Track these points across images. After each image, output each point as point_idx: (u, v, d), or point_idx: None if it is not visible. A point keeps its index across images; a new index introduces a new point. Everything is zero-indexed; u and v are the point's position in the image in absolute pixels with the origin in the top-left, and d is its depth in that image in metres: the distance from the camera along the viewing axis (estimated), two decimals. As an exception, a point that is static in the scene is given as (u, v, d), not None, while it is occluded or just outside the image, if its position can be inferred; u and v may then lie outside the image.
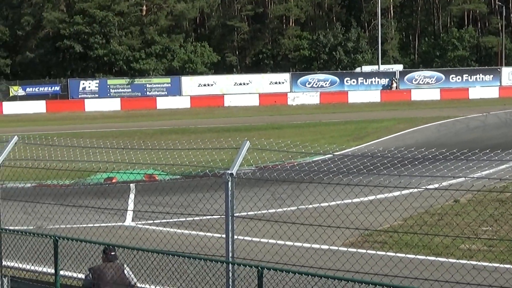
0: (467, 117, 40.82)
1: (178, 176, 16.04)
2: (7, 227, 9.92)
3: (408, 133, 34.34)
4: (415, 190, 8.75)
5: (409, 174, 8.17)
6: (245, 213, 10.23)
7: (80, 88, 63.81)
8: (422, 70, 67.24)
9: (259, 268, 6.32)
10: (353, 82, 64.89)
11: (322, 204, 9.61)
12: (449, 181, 8.52)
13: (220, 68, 73.60)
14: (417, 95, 61.53)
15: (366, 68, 66.93)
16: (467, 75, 65.16)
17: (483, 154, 8.08)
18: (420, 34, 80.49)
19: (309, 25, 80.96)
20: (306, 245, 10.17)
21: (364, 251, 11.27)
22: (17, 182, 11.58)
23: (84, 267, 9.12)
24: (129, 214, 16.58)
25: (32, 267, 9.76)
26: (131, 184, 19.69)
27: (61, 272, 8.43)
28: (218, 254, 9.02)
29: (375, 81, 64.78)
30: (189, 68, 69.98)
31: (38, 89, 64.52)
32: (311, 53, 75.40)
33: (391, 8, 79.89)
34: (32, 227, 13.52)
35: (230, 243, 7.89)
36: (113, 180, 18.91)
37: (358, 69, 67.49)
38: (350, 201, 9.57)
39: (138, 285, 8.91)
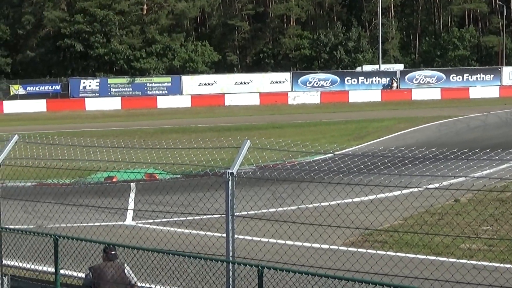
0: (468, 116, 40.82)
1: (179, 175, 16.04)
2: (7, 226, 9.92)
3: (408, 133, 34.34)
4: (416, 189, 8.75)
5: (410, 173, 8.17)
6: (246, 212, 10.23)
7: (81, 87, 63.82)
8: (423, 70, 67.24)
9: (259, 267, 6.31)
10: (354, 81, 64.88)
11: (323, 204, 9.62)
12: (449, 180, 8.52)
13: (221, 67, 73.60)
14: (418, 94, 61.54)
15: (367, 68, 66.92)
16: (467, 74, 65.16)
17: (484, 153, 8.08)
18: (420, 34, 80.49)
19: (309, 24, 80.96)
20: (307, 244, 10.16)
21: (364, 250, 11.27)
22: (18, 181, 11.58)
23: (84, 266, 9.12)
24: (130, 213, 16.58)
25: (32, 266, 9.76)
26: (131, 183, 19.69)
27: (61, 271, 8.43)
28: (219, 253, 9.02)
29: (375, 81, 64.77)
30: (190, 67, 69.97)
31: (39, 88, 64.52)
32: (312, 53, 75.38)
33: (392, 7, 79.86)
34: (32, 226, 13.51)
35: (230, 242, 7.89)
36: (114, 179, 18.93)
37: (358, 69, 67.50)
38: (350, 200, 9.56)
39: (138, 284, 8.90)
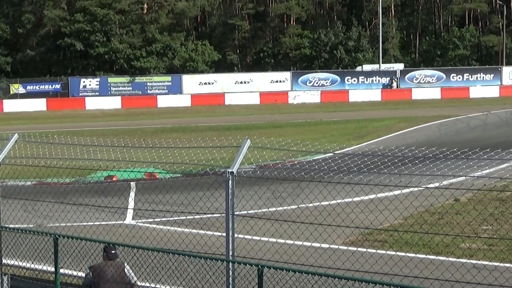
0: (468, 116, 40.84)
1: (179, 175, 16.05)
2: (7, 225, 9.92)
3: (408, 132, 34.35)
4: (416, 189, 8.74)
5: (410, 173, 8.17)
6: (246, 212, 10.23)
7: (81, 86, 63.83)
8: (423, 69, 67.25)
9: (259, 266, 6.31)
10: (354, 81, 64.87)
11: (323, 203, 9.62)
12: (449, 180, 8.52)
13: (221, 66, 73.59)
14: (418, 94, 61.56)
15: (367, 67, 66.93)
16: (467, 74, 65.17)
17: (484, 153, 8.08)
18: (421, 33, 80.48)
19: (310, 23, 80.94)
20: (307, 243, 10.17)
21: (364, 249, 11.28)
22: (18, 180, 11.58)
23: (84, 265, 9.12)
24: (130, 213, 16.59)
25: (32, 265, 9.76)
26: (131, 183, 19.69)
27: (61, 270, 8.43)
28: (219, 253, 9.01)
29: (375, 80, 64.76)
30: (190, 67, 69.97)
31: (39, 87, 64.52)
32: (312, 52, 75.38)
33: (392, 7, 79.84)
34: (32, 225, 13.51)
35: (230, 241, 7.89)
36: (114, 178, 18.92)
37: (359, 68, 67.50)
38: (350, 199, 9.57)
39: (138, 283, 8.90)
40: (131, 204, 17.60)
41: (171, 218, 14.87)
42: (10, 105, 59.79)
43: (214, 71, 71.02)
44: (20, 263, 9.94)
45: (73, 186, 17.43)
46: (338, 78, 65.05)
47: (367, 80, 64.75)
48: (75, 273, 10.18)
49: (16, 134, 9.86)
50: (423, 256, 10.66)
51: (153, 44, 69.77)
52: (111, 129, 39.34)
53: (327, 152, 9.95)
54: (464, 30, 74.98)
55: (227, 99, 61.17)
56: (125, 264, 8.75)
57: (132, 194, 18.69)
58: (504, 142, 23.60)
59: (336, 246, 10.33)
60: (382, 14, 70.63)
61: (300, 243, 10.20)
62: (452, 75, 65.06)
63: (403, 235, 12.59)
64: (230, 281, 7.70)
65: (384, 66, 66.46)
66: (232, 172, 7.80)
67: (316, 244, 9.65)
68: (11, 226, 10.11)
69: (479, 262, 10.27)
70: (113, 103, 60.67)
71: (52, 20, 70.30)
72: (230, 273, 7.67)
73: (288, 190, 13.00)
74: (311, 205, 10.72)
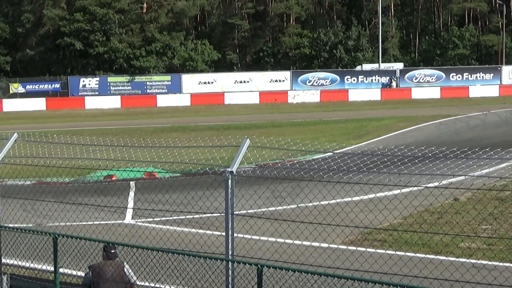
0: (467, 115, 40.85)
1: (178, 174, 16.05)
2: (6, 225, 9.92)
3: (408, 132, 34.36)
4: (415, 188, 8.75)
5: (409, 172, 8.17)
6: (245, 211, 10.23)
7: (80, 86, 63.81)
8: (423, 69, 67.25)
9: (259, 266, 6.31)
10: (354, 80, 64.86)
11: (322, 202, 9.62)
12: (449, 179, 8.52)
13: (221, 66, 73.59)
14: (418, 93, 61.58)
15: (367, 67, 66.93)
16: (467, 73, 65.17)
17: (483, 152, 8.08)
18: (420, 33, 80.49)
19: (309, 23, 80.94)
20: (306, 243, 10.17)
21: (363, 249, 11.28)
22: (17, 180, 11.59)
23: (84, 265, 9.12)
24: (129, 212, 16.59)
25: (32, 265, 9.76)
26: (131, 182, 19.69)
27: (61, 270, 8.43)
28: (218, 252, 9.01)
29: (375, 80, 64.75)
30: (190, 66, 69.97)
31: (38, 86, 64.51)
32: (312, 51, 75.39)
33: (392, 6, 79.85)
34: (31, 225, 13.51)
35: (230, 241, 7.89)
36: (113, 178, 18.91)
37: (358, 68, 67.50)
38: (350, 199, 9.57)
39: (138, 283, 8.91)
40: (130, 203, 17.60)
41: (171, 218, 14.87)
42: (10, 105, 59.80)
43: (214, 70, 71.02)
44: (20, 263, 9.94)
45: (73, 185, 17.43)
46: (337, 77, 65.05)
47: (366, 80, 64.74)
48: (74, 272, 10.18)
49: (16, 133, 9.86)
50: (423, 255, 10.66)
51: (153, 43, 69.77)
52: (110, 128, 39.34)
53: (327, 151, 9.95)
54: (463, 29, 74.99)
55: (226, 99, 61.18)
56: (125, 264, 8.76)
57: (131, 194, 18.69)
58: (503, 142, 23.60)
59: (336, 246, 10.33)
60: (382, 14, 70.64)
61: (300, 242, 10.20)
62: (451, 75, 65.06)
63: (403, 234, 12.59)
64: (230, 281, 7.70)
65: (383, 66, 66.47)
66: (231, 172, 7.80)
67: (316, 244, 9.65)
68: (11, 225, 10.11)
69: (479, 261, 10.28)
70: (112, 102, 60.68)
71: (52, 19, 70.30)
72: (230, 273, 7.67)
73: (287, 190, 13.00)
74: (310, 204, 10.72)
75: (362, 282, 5.99)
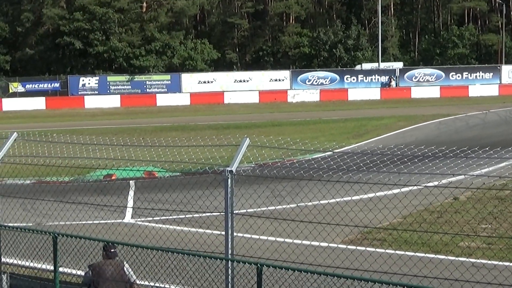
0: (467, 114, 40.84)
1: (178, 173, 16.04)
2: (6, 224, 9.92)
3: (407, 131, 34.35)
4: (415, 187, 8.75)
5: (409, 171, 8.17)
6: (245, 210, 10.23)
7: (80, 85, 63.80)
8: (422, 68, 67.25)
9: (259, 265, 6.31)
10: (353, 79, 64.86)
11: (322, 202, 9.62)
12: (448, 178, 8.52)
13: (220, 65, 73.59)
14: (417, 92, 61.57)
15: (366, 66, 66.93)
16: (467, 73, 65.16)
17: (483, 151, 8.08)
18: (420, 32, 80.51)
19: (309, 22, 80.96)
20: (306, 242, 10.17)
21: (363, 248, 11.28)
22: (17, 179, 11.59)
23: (83, 264, 9.13)
24: (129, 211, 16.58)
25: (31, 264, 9.77)
26: (130, 181, 19.67)
27: (60, 269, 8.43)
28: (218, 251, 9.02)
29: (375, 79, 64.75)
30: (189, 65, 69.97)
31: (38, 85, 64.50)
32: (311, 51, 75.39)
33: (392, 5, 79.88)
34: (31, 224, 13.51)
35: (229, 240, 7.89)
36: (113, 177, 18.89)
37: (358, 67, 67.49)
38: (349, 198, 9.56)
39: (138, 282, 8.91)
40: (130, 202, 17.59)
41: (170, 217, 14.86)
42: (9, 104, 59.79)
43: (213, 69, 71.02)
44: (19, 262, 9.94)
45: (72, 184, 17.43)
46: (337, 76, 65.04)
47: (366, 79, 64.73)
48: (74, 271, 10.18)
49: (15, 132, 9.86)
50: (422, 254, 10.67)
51: (152, 42, 69.76)
52: (110, 127, 39.32)
53: (326, 150, 9.95)
54: (463, 28, 75.00)
55: (226, 98, 61.18)
56: (125, 263, 8.76)
57: (131, 193, 18.69)
58: (503, 141, 23.60)
59: (335, 245, 10.33)
60: (382, 13, 70.64)
61: (299, 241, 10.20)
62: (451, 74, 65.06)
63: (402, 233, 12.60)
64: (230, 280, 7.70)
65: (383, 65, 66.48)
66: (231, 171, 7.80)
67: (315, 243, 9.66)
68: (10, 224, 10.11)
69: (478, 260, 10.28)
70: (112, 101, 60.67)
71: (51, 18, 70.30)
72: (230, 272, 7.67)
73: (287, 189, 13.00)
74: (310, 203, 10.72)
75: (362, 281, 5.99)
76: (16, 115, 52.48)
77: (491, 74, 64.91)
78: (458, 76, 64.89)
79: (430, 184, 8.67)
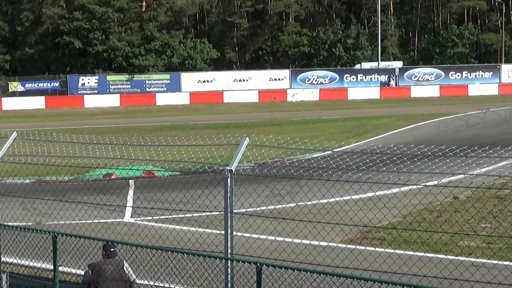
0: (467, 114, 40.84)
1: (177, 173, 16.04)
2: (5, 223, 9.92)
3: (407, 130, 34.35)
4: (414, 187, 8.75)
5: (408, 171, 8.17)
6: (244, 210, 10.23)
7: (80, 84, 63.79)
8: (422, 67, 67.24)
9: (258, 264, 6.31)
10: (353, 78, 64.87)
11: (321, 201, 9.62)
12: (448, 178, 8.52)
13: (220, 64, 73.57)
14: (417, 92, 61.57)
15: (366, 65, 66.93)
16: (466, 72, 65.16)
17: (482, 151, 8.09)
18: (419, 31, 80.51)
19: (308, 21, 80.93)
20: (305, 241, 10.18)
21: (363, 247, 11.29)
22: (16, 178, 11.59)
23: (83, 263, 9.13)
24: (128, 211, 16.58)
25: (31, 263, 9.77)
26: (130, 180, 19.66)
27: (60, 268, 8.44)
28: (217, 251, 9.02)
29: (374, 78, 64.75)
30: (189, 65, 69.96)
31: (37, 85, 64.49)
32: (311, 50, 75.38)
33: (391, 4, 79.87)
34: (31, 223, 13.51)
35: (229, 239, 7.89)
36: (112, 176, 18.88)
37: (357, 66, 67.49)
38: (349, 197, 9.57)
39: (137, 281, 8.91)
40: (129, 202, 17.59)
41: (170, 216, 14.86)
42: (9, 103, 59.77)
43: (213, 69, 70.99)
44: (19, 261, 9.94)
45: (72, 184, 17.44)
46: (336, 76, 65.03)
47: (365, 78, 64.74)
48: (74, 271, 10.19)
49: (15, 132, 9.86)
50: (422, 254, 10.67)
51: (152, 42, 69.73)
52: (109, 127, 39.31)
53: (326, 150, 9.95)
54: (463, 28, 74.99)
55: (225, 97, 61.17)
56: (124, 262, 8.76)
57: (130, 192, 18.69)
58: (502, 140, 23.61)
59: (335, 244, 10.33)
60: (381, 12, 70.63)
61: (299, 241, 10.20)
62: (451, 73, 65.06)
63: (402, 233, 12.61)
64: (229, 279, 7.71)
65: (383, 64, 66.47)
66: (231, 170, 7.80)
67: (315, 242, 9.66)
68: (10, 224, 10.11)
69: (478, 260, 10.28)
70: (111, 101, 60.66)
71: (51, 18, 70.27)
72: (229, 271, 7.67)
73: (286, 188, 13.00)
74: (309, 203, 10.72)
75: (361, 280, 5.99)
76: (15, 115, 52.47)
77: (491, 73, 64.91)
78: (458, 75, 64.89)
79: (430, 183, 8.67)
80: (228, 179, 7.80)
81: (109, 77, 65.19)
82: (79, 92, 63.17)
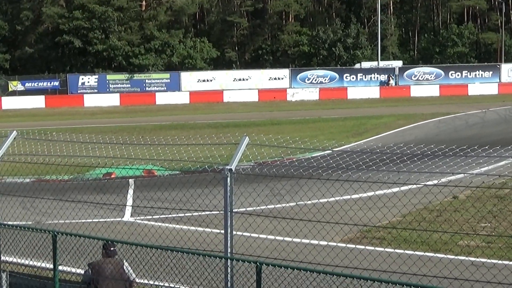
0: (466, 113, 40.84)
1: (177, 172, 16.05)
2: (5, 222, 9.92)
3: (407, 129, 34.35)
4: (414, 186, 8.75)
5: (408, 170, 8.17)
6: (244, 209, 10.24)
7: (79, 83, 63.78)
8: (422, 66, 67.22)
9: (258, 263, 6.32)
10: (353, 78, 64.86)
11: (321, 200, 9.62)
12: (448, 177, 8.52)
13: (220, 63, 73.56)
14: (417, 91, 61.54)
15: (366, 64, 66.92)
16: (466, 71, 65.14)
17: (482, 150, 8.09)
18: (419, 30, 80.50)
19: (308, 21, 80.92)
20: (305, 241, 10.18)
21: (362, 247, 11.29)
22: (16, 177, 11.58)
23: (83, 263, 9.13)
24: (128, 210, 16.58)
25: (31, 262, 9.76)
26: (130, 180, 19.67)
27: (60, 267, 8.44)
28: (217, 250, 9.02)
29: (374, 77, 64.74)
30: (189, 64, 69.95)
31: (37, 84, 64.47)
32: (311, 49, 75.36)
33: (391, 4, 79.86)
34: (30, 222, 13.52)
35: (229, 238, 7.89)
36: (112, 176, 18.89)
37: (357, 65, 67.48)
38: (349, 197, 9.58)
39: (137, 280, 8.91)
40: (129, 201, 17.59)
41: (170, 215, 14.87)
42: (9, 102, 59.75)
43: (213, 68, 70.98)
44: (19, 260, 9.94)
45: (72, 183, 17.44)
46: (336, 75, 65.03)
47: (365, 78, 64.74)
48: (74, 270, 10.19)
49: (15, 131, 9.86)
50: (421, 253, 10.67)
51: (152, 41, 69.72)
52: (109, 126, 39.30)
53: (326, 149, 9.96)
54: (463, 27, 74.98)
55: (225, 96, 61.16)
56: (124, 261, 8.76)
57: (130, 191, 18.69)
58: (502, 140, 23.63)
59: (335, 243, 10.34)
60: (381, 11, 70.62)
61: (299, 240, 10.21)
62: (450, 73, 65.05)
63: (402, 232, 12.61)
64: (229, 278, 7.71)
65: (382, 64, 66.46)
66: (230, 169, 7.80)
67: (314, 241, 9.67)
68: (10, 223, 10.11)
69: (478, 259, 10.29)
70: (111, 100, 60.64)
71: (51, 17, 70.26)
72: (229, 270, 7.67)
73: (286, 188, 13.01)
74: (309, 202, 10.73)
75: (361, 280, 6.00)
76: (15, 114, 52.46)
77: (491, 72, 64.90)
78: (458, 75, 64.87)
79: (430, 182, 8.67)
80: (228, 178, 7.80)
81: (109, 77, 65.18)
82: (79, 91, 63.16)
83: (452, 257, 10.75)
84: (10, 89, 63.49)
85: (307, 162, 9.00)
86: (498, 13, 75.64)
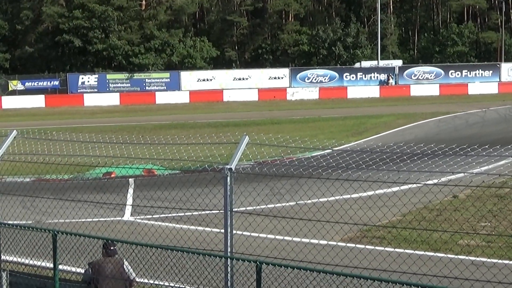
0: (466, 112, 40.84)
1: (177, 171, 16.06)
2: (5, 222, 9.92)
3: (407, 129, 34.36)
4: (414, 185, 8.76)
5: (408, 169, 8.18)
6: (244, 208, 10.24)
7: (79, 83, 63.77)
8: (422, 66, 67.22)
9: (258, 263, 6.32)
10: (352, 77, 64.85)
11: (321, 199, 9.62)
12: (448, 176, 8.53)
13: (219, 63, 73.54)
14: (416, 90, 61.53)
15: (365, 64, 66.90)
16: (466, 70, 65.13)
17: (482, 149, 8.08)
18: (419, 30, 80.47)
19: (308, 20, 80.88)
20: (305, 240, 10.18)
21: (362, 246, 11.29)
22: (16, 177, 11.57)
23: (83, 262, 9.13)
24: (128, 209, 16.59)
25: (31, 262, 9.76)
26: (130, 179, 19.68)
27: (60, 267, 8.44)
28: (217, 249, 9.03)
29: (374, 77, 64.73)
30: (188, 63, 69.94)
31: (37, 83, 64.46)
32: (311, 48, 75.34)
33: (391, 3, 79.83)
34: (30, 222, 13.52)
35: (229, 238, 7.90)
36: (112, 175, 18.89)
37: (357, 65, 67.47)
38: (348, 196, 9.58)
39: (137, 279, 8.92)
40: (129, 200, 17.60)
41: (170, 215, 14.88)
42: (9, 102, 59.74)
43: (213, 67, 70.96)
44: (19, 259, 9.94)
45: (72, 182, 17.43)
46: (336, 74, 65.02)
47: (365, 77, 64.73)
48: (74, 269, 10.19)
49: (15, 130, 9.86)
50: (421, 252, 10.67)
51: (152, 40, 69.72)
52: (109, 125, 39.30)
53: (326, 148, 9.96)
54: (462, 26, 74.96)
55: (225, 96, 61.15)
56: (124, 260, 8.77)
57: (130, 191, 18.70)
58: (502, 139, 23.63)
59: (335, 243, 10.34)
60: (381, 11, 70.60)
61: (299, 239, 10.20)
62: (450, 72, 65.04)
63: (402, 231, 12.61)
64: (229, 277, 7.71)
65: (382, 63, 66.45)
66: (230, 169, 7.80)
67: (315, 241, 9.67)
68: (10, 222, 10.11)
69: (478, 258, 10.28)
70: (111, 99, 60.65)
71: (51, 16, 70.26)
72: (229, 270, 7.68)
73: (286, 187, 13.01)
74: (309, 201, 10.73)
75: (361, 279, 6.00)
76: (15, 113, 52.46)
77: (491, 72, 64.89)
78: (458, 74, 64.87)
79: (430, 182, 8.68)
80: (228, 178, 7.80)
81: (109, 76, 65.17)
82: (79, 90, 63.14)
83: (452, 256, 10.75)
84: (10, 89, 63.48)
85: (307, 162, 9.00)
86: (498, 12, 75.63)
